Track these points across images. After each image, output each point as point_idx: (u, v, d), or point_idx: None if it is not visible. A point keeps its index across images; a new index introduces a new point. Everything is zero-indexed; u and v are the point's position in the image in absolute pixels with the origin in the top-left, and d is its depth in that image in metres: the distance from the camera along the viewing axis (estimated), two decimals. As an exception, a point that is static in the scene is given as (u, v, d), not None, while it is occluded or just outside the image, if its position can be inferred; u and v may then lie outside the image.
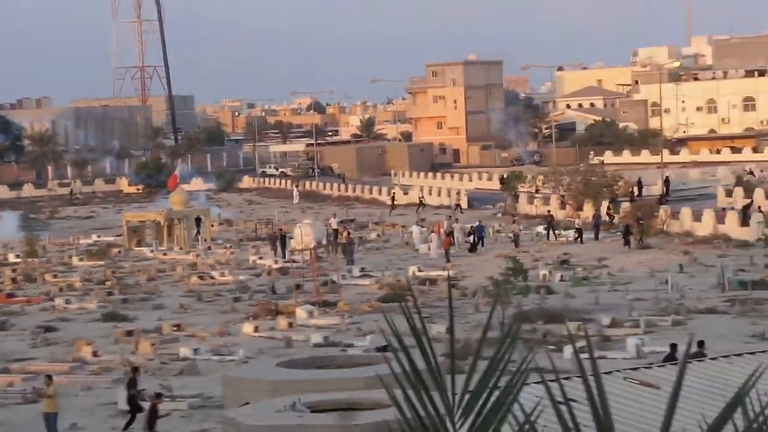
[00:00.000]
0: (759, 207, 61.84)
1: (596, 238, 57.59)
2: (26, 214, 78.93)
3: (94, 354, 32.13)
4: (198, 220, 70.22)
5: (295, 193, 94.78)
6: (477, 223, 58.50)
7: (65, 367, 30.44)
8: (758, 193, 67.71)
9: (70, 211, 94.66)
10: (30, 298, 45.54)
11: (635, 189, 73.62)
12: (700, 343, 25.25)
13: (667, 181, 77.61)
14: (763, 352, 18.74)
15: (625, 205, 64.33)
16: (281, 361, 23.47)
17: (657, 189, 76.15)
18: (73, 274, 53.39)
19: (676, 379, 3.21)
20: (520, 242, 56.67)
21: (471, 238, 55.64)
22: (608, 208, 63.53)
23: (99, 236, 69.61)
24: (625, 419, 12.81)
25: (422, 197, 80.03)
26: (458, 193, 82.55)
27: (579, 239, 57.41)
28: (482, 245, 55.85)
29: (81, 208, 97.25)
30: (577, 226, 58.52)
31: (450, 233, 56.76)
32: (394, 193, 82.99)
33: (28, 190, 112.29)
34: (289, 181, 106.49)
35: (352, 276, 48.82)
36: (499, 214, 71.37)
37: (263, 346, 33.36)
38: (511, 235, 58.01)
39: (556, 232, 59.63)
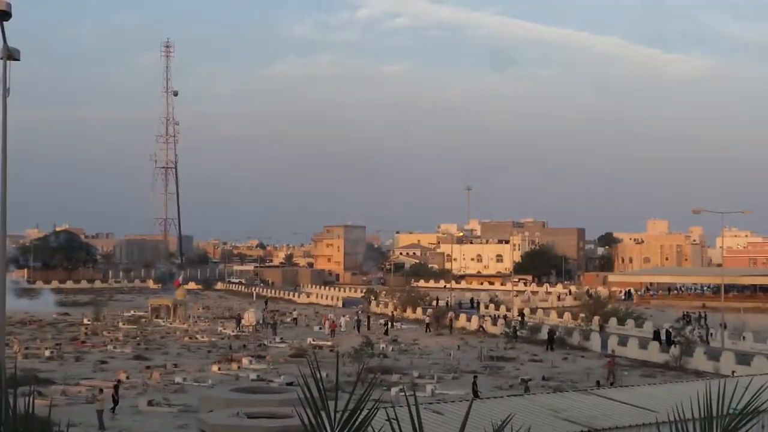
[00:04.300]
0: (504, 315, 71.21)
1: (431, 331, 64.04)
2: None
3: (127, 377, 38.68)
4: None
5: (254, 293, 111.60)
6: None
7: (109, 383, 34.54)
8: (503, 308, 79.16)
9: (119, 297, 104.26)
10: (94, 344, 53.14)
11: (435, 301, 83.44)
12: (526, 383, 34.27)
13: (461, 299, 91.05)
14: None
15: (429, 311, 72.36)
16: (232, 388, 26.81)
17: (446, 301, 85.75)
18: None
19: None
20: (371, 328, 64.38)
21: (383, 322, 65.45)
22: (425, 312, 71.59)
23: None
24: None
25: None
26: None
27: (428, 329, 63.91)
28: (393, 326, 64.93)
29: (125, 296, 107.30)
30: (427, 322, 65.93)
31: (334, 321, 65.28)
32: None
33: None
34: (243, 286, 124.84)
35: (275, 342, 55.72)
36: (360, 311, 78.47)
37: (223, 379, 38.30)
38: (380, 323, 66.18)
39: (394, 323, 67.69)
